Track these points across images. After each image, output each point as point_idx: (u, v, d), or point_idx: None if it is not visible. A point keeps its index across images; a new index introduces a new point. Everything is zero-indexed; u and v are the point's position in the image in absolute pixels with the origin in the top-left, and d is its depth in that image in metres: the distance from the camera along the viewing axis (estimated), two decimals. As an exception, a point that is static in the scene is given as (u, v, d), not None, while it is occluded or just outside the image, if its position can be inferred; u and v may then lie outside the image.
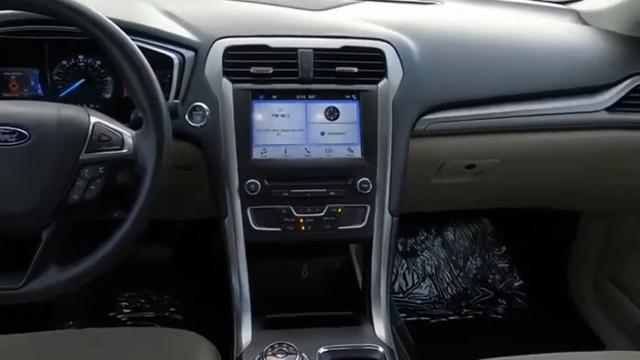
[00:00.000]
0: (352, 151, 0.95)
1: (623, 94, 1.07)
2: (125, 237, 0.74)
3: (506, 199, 1.36)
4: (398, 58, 1.00)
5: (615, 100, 1.07)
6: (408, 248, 1.72)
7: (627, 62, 1.13)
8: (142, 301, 1.53)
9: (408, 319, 1.57)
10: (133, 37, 0.80)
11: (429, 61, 1.03)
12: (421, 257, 1.71)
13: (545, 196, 1.33)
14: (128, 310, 1.51)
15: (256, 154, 0.93)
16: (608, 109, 1.06)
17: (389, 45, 1.01)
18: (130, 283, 1.56)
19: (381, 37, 1.02)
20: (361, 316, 0.96)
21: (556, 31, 1.25)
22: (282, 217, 0.92)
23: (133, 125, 0.79)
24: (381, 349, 0.87)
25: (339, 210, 0.94)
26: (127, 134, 0.76)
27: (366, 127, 0.95)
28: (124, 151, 0.74)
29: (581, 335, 1.49)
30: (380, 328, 0.92)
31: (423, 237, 1.73)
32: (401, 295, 1.64)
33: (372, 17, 1.11)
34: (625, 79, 1.09)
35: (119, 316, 1.50)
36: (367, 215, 0.95)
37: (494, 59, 1.09)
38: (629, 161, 1.15)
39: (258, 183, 0.91)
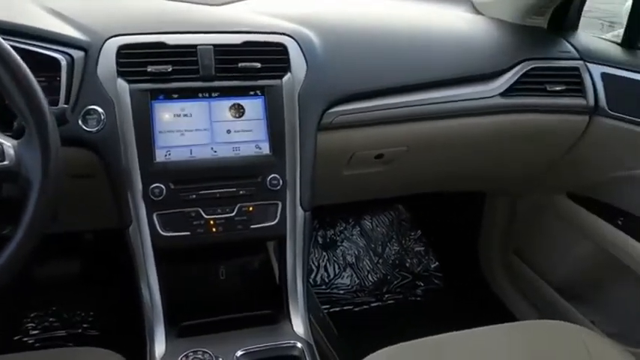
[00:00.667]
0: (260, 148, 0.94)
1: (514, 79, 1.13)
2: (14, 254, 0.68)
3: (416, 185, 1.41)
4: (301, 52, 1.00)
5: (508, 85, 1.13)
6: (328, 240, 1.73)
7: (517, 49, 1.19)
8: (52, 319, 1.43)
9: (332, 309, 1.59)
10: (13, 38, 0.74)
11: (332, 53, 1.03)
12: (341, 248, 1.73)
13: (451, 179, 1.38)
14: (36, 332, 1.41)
15: (159, 156, 0.89)
16: (502, 94, 1.12)
17: (291, 39, 1.00)
18: (37, 302, 1.46)
19: (283, 31, 1.01)
20: (279, 314, 0.95)
21: (453, 20, 1.30)
22: (191, 221, 0.89)
23: (16, 134, 0.73)
24: (299, 345, 0.86)
25: (250, 208, 0.92)
26: (7, 144, 0.69)
27: (273, 123, 0.94)
28: (5, 162, 0.68)
29: (494, 310, 1.58)
30: (298, 324, 0.92)
31: (341, 228, 1.76)
32: (323, 286, 1.65)
33: (273, 11, 1.10)
34: (516, 65, 1.15)
35: (26, 339, 1.39)
36: (279, 212, 0.94)
37: (395, 50, 1.11)
38: (523, 143, 1.22)
39: (163, 187, 0.87)
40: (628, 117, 1.11)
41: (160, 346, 0.86)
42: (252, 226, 0.92)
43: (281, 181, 0.93)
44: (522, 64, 1.15)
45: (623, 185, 1.19)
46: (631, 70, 1.13)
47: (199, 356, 0.78)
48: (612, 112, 1.14)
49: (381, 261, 1.74)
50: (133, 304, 0.94)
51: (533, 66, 1.15)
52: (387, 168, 1.19)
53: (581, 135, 1.20)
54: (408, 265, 1.75)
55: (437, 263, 1.75)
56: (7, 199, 0.73)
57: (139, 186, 0.87)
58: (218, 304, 1.00)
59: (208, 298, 1.02)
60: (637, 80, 1.10)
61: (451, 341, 0.94)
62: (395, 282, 1.70)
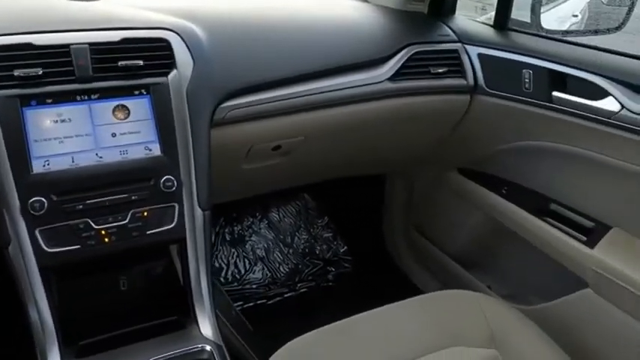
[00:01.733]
0: (150, 150, 0.90)
1: (400, 64, 1.18)
2: None
3: (318, 173, 1.43)
4: (186, 47, 0.96)
5: (395, 70, 1.17)
6: (236, 235, 1.71)
7: (401, 34, 1.24)
8: None
9: (245, 305, 1.57)
10: None
11: (220, 47, 1.01)
12: (250, 242, 1.71)
13: (350, 165, 1.42)
14: None
15: (37, 167, 0.82)
16: (390, 79, 1.16)
17: (174, 34, 0.96)
18: None
19: (165, 26, 0.96)
20: (186, 319, 0.92)
21: (340, 8, 1.32)
22: (80, 233, 0.83)
23: None
24: (208, 348, 0.85)
25: (145, 214, 0.88)
26: None
27: (162, 123, 0.90)
28: None
29: (403, 286, 1.64)
30: (206, 327, 0.90)
31: (248, 222, 1.74)
32: (235, 283, 1.63)
33: (154, 5, 1.05)
34: (401, 49, 1.19)
35: None
36: (176, 214, 0.90)
37: (284, 40, 1.11)
38: (413, 124, 1.27)
39: (44, 200, 0.81)
40: (504, 94, 1.19)
41: None
42: (148, 232, 0.88)
43: (175, 182, 0.89)
44: (407, 48, 1.20)
45: (505, 157, 1.28)
46: (503, 50, 1.20)
47: (101, 375, 0.73)
48: (490, 90, 1.22)
49: (291, 251, 1.75)
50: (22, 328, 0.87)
51: (416, 50, 1.20)
52: (286, 159, 1.19)
53: (464, 113, 1.27)
54: (317, 252, 1.77)
55: (345, 247, 1.79)
56: None
57: (16, 201, 0.80)
58: (121, 317, 0.95)
59: (110, 311, 0.97)
60: (509, 59, 1.18)
61: (359, 323, 0.96)
62: (306, 270, 1.72)
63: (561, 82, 1.09)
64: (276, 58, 1.07)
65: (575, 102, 1.05)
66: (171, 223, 0.90)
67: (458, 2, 1.38)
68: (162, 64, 0.92)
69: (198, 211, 0.93)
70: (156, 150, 0.90)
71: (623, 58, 1.05)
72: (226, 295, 1.36)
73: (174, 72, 0.93)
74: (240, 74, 1.01)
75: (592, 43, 1.11)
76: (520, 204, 1.24)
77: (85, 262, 0.87)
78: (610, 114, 0.99)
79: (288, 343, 0.93)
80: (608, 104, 1.00)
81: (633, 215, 1.06)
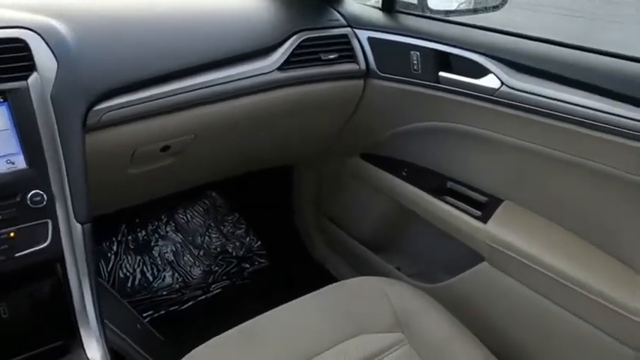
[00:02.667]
0: (13, 163, 0.81)
1: (289, 52, 1.14)
2: None
3: (217, 171, 1.37)
4: (47, 47, 0.87)
5: (284, 58, 1.13)
6: (141, 242, 1.62)
7: (289, 21, 1.20)
8: None
9: (156, 314, 1.50)
10: None
11: (87, 46, 0.93)
12: (157, 248, 1.63)
13: (250, 159, 1.38)
14: None
15: None
16: (280, 69, 1.12)
17: (33, 33, 0.87)
18: None
19: (22, 25, 0.87)
20: (73, 343, 0.85)
21: (224, -2, 1.27)
22: None
23: None
24: (95, 373, 0.78)
25: (12, 234, 0.80)
26: None
27: (25, 132, 0.82)
28: None
29: (319, 276, 1.63)
30: (92, 349, 0.83)
31: (153, 227, 1.65)
32: (143, 292, 1.54)
33: (8, 2, 0.95)
34: (289, 37, 1.16)
35: None
36: (50, 231, 0.82)
37: (162, 34, 1.04)
38: (309, 113, 1.25)
39: None
40: (395, 76, 1.19)
41: None
42: (17, 255, 0.80)
43: (45, 197, 0.81)
44: (295, 35, 1.17)
45: (403, 139, 1.29)
46: (391, 33, 1.20)
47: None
48: (382, 74, 1.22)
49: (202, 252, 1.68)
50: None
51: (305, 37, 1.17)
52: (177, 159, 1.13)
53: (359, 99, 1.27)
54: (230, 250, 1.72)
55: (259, 242, 1.75)
56: None
57: None
58: (3, 347, 0.86)
59: None
60: (397, 42, 1.18)
61: (263, 323, 0.94)
62: (220, 270, 1.67)
63: (446, 62, 1.11)
64: (152, 54, 1.00)
65: (460, 81, 1.07)
66: (45, 241, 0.82)
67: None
68: (20, 67, 0.83)
69: (77, 225, 0.85)
70: (20, 163, 0.81)
71: (501, 35, 1.08)
72: (129, 308, 1.28)
73: (34, 75, 0.84)
74: (114, 73, 0.94)
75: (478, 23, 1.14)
76: (419, 185, 1.26)
77: None
78: (492, 91, 1.02)
79: (190, 353, 0.89)
80: (490, 81, 1.03)
81: (521, 188, 1.10)
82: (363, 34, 1.24)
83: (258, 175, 1.62)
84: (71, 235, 0.85)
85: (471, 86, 1.05)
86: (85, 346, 0.83)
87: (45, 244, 0.82)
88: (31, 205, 0.81)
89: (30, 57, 0.85)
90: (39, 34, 0.88)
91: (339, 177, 1.53)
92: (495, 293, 1.11)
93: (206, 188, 1.76)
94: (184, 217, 1.71)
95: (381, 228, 1.48)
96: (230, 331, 0.94)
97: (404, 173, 1.31)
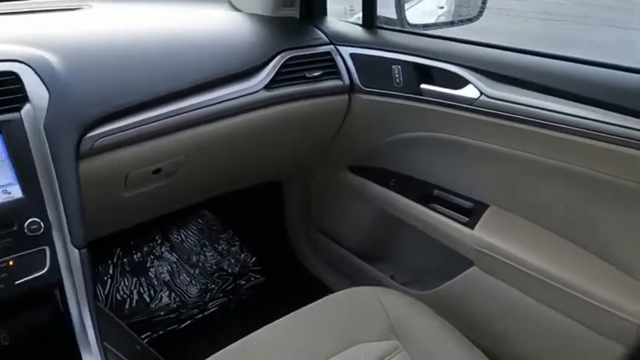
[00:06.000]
0: (9, 193, 0.83)
1: (275, 71, 1.17)
2: None
3: (209, 189, 1.40)
4: (39, 79, 0.90)
5: (270, 78, 1.16)
6: (136, 264, 1.63)
7: (273, 41, 1.24)
8: None
9: (155, 335, 1.51)
10: None
11: (77, 75, 0.95)
12: (152, 269, 1.64)
13: (241, 177, 1.40)
14: None
15: None
16: (267, 88, 1.15)
17: (24, 65, 0.90)
18: None
19: (13, 58, 0.90)
20: None
21: (209, 20, 1.30)
22: None
23: None
24: (98, 396, 0.80)
25: (11, 263, 0.81)
26: None
27: (20, 162, 0.84)
28: None
29: (314, 288, 1.64)
30: None
31: (148, 248, 1.67)
32: (141, 314, 1.55)
33: (1, 35, 0.98)
34: (274, 57, 1.19)
35: None
36: (48, 258, 0.84)
37: (150, 59, 1.07)
38: (296, 130, 1.28)
39: None
40: (378, 90, 1.23)
41: None
42: (17, 282, 0.81)
43: (42, 224, 0.83)
44: (280, 55, 1.20)
45: (389, 150, 1.33)
46: (373, 48, 1.24)
47: None
48: (365, 88, 1.25)
49: (198, 271, 1.70)
50: None
51: (290, 55, 1.20)
52: (170, 180, 1.15)
53: (345, 113, 1.30)
54: (226, 267, 1.74)
55: (254, 258, 1.77)
56: None
57: None
58: None
59: None
60: (378, 56, 1.22)
61: (261, 338, 0.96)
62: (216, 288, 1.68)
63: (427, 74, 1.14)
64: (141, 79, 1.02)
65: (441, 92, 1.11)
66: (44, 268, 0.84)
67: (327, 6, 1.40)
68: (13, 99, 0.86)
69: (74, 251, 0.87)
70: (16, 192, 0.83)
71: (479, 47, 1.12)
72: (128, 330, 1.29)
73: (27, 106, 0.86)
74: (104, 100, 0.96)
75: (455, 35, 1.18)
76: (407, 194, 1.29)
77: None
78: (471, 100, 1.06)
79: None
80: (469, 92, 1.06)
81: (506, 193, 1.13)
82: (346, 51, 1.28)
83: (249, 192, 1.65)
84: (69, 260, 0.86)
85: (452, 97, 1.09)
86: None
87: (43, 271, 0.84)
88: (28, 233, 0.82)
89: (22, 89, 0.87)
90: (30, 67, 0.90)
91: (329, 190, 1.56)
92: (486, 297, 1.14)
93: (199, 207, 1.77)
94: (179, 237, 1.72)
95: (373, 238, 1.50)
96: (228, 347, 0.95)
97: (391, 183, 1.34)
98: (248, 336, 0.97)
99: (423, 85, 1.14)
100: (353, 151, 1.41)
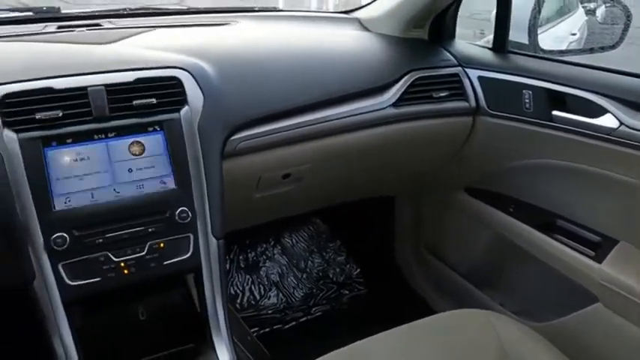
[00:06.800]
0: (165, 183, 0.94)
1: (403, 89, 1.21)
2: None
3: (327, 197, 1.46)
4: (196, 84, 1.01)
5: (398, 96, 1.21)
6: (250, 262, 1.74)
7: (403, 60, 1.28)
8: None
9: (261, 331, 1.59)
10: None
11: (228, 82, 1.06)
12: (264, 268, 1.74)
13: (358, 188, 1.45)
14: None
15: (59, 204, 0.86)
16: (394, 105, 1.20)
17: (185, 72, 1.01)
18: None
19: (176, 65, 1.01)
20: (203, 346, 0.95)
21: (342, 39, 1.37)
22: (101, 266, 0.87)
23: None
24: (225, 374, 0.87)
25: (162, 245, 0.92)
26: None
27: (176, 157, 0.95)
28: None
29: (416, 306, 1.65)
30: (223, 354, 0.93)
31: (262, 248, 1.77)
32: (250, 310, 1.65)
33: (164, 45, 1.11)
34: (403, 76, 1.23)
35: None
36: (191, 244, 0.94)
37: (288, 73, 1.15)
38: (417, 147, 1.31)
39: (66, 235, 0.85)
40: (505, 114, 1.22)
41: None
42: (165, 263, 0.92)
43: (190, 214, 0.93)
44: (409, 74, 1.24)
45: (511, 175, 1.31)
46: (503, 72, 1.24)
47: (122, 403, 0.76)
48: (492, 111, 1.25)
49: (304, 276, 1.77)
50: None
51: (418, 76, 1.24)
52: (296, 186, 1.23)
53: (468, 135, 1.31)
54: (331, 275, 1.79)
55: (358, 270, 1.81)
56: None
57: (40, 238, 0.84)
58: (140, 346, 0.98)
59: (129, 341, 1.00)
60: (508, 81, 1.21)
61: (372, 345, 0.98)
62: (320, 294, 1.74)
63: (560, 101, 1.12)
64: (283, 90, 1.11)
65: (575, 120, 1.08)
66: (187, 253, 0.94)
67: (457, 30, 1.42)
68: (175, 101, 0.97)
69: (213, 240, 0.96)
70: (170, 183, 0.94)
71: (619, 76, 1.07)
72: (242, 322, 1.38)
73: (185, 108, 0.97)
74: (249, 107, 1.06)
75: (590, 62, 1.15)
76: (527, 221, 1.26)
77: (105, 294, 0.91)
78: (609, 130, 1.02)
79: None
80: (607, 121, 1.03)
81: (638, 229, 1.07)
82: (474, 73, 1.29)
83: (361, 205, 1.69)
84: (208, 248, 0.96)
85: (587, 125, 1.06)
86: (216, 350, 0.93)
87: (187, 256, 0.93)
88: (178, 220, 0.93)
89: (183, 92, 0.98)
90: (190, 73, 1.01)
91: (442, 209, 1.56)
92: (609, 336, 1.08)
93: (311, 215, 1.85)
94: (290, 241, 1.81)
95: (485, 262, 1.48)
96: (339, 350, 0.99)
97: (510, 209, 1.32)
98: (357, 342, 0.99)
99: (555, 112, 1.12)
100: (471, 173, 1.41)
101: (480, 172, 1.38)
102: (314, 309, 1.69)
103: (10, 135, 0.85)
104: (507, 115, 1.22)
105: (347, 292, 1.77)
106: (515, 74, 1.21)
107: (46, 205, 0.85)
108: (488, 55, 1.31)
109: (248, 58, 1.16)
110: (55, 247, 0.84)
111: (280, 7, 1.63)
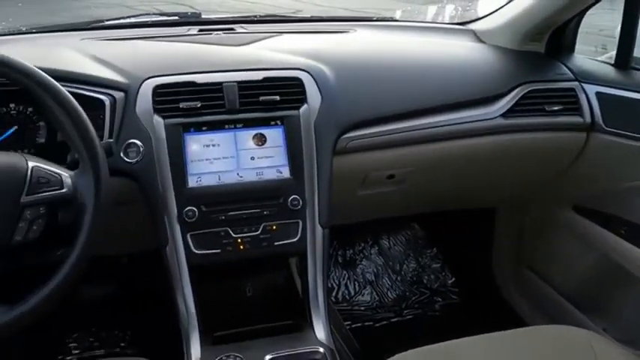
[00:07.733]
0: (281, 172, 1.04)
1: (514, 101, 1.22)
2: (69, 273, 0.78)
3: (427, 203, 1.49)
4: (316, 85, 1.10)
5: (508, 107, 1.21)
6: (348, 259, 1.81)
7: (516, 73, 1.28)
8: (91, 339, 1.53)
9: (353, 325, 1.65)
10: (63, 84, 0.85)
11: (344, 85, 1.14)
12: (360, 266, 1.81)
13: (459, 197, 1.46)
14: (77, 351, 1.51)
15: (192, 182, 0.99)
16: (503, 115, 1.21)
17: (306, 73, 1.10)
18: (77, 323, 1.56)
19: (299, 67, 1.12)
20: (303, 323, 1.03)
21: (456, 49, 1.40)
22: (221, 239, 0.99)
23: (70, 166, 0.84)
24: (321, 350, 0.94)
25: (274, 227, 1.02)
26: (65, 175, 0.81)
27: (292, 149, 1.04)
28: (64, 190, 0.79)
29: (509, 321, 1.62)
30: (320, 332, 1.00)
31: (360, 247, 1.84)
32: (345, 304, 1.72)
33: (290, 48, 1.22)
34: (515, 87, 1.24)
35: (68, 358, 1.49)
36: (300, 229, 1.03)
37: (401, 79, 1.21)
38: (525, 160, 1.30)
39: (196, 210, 0.98)
40: (623, 132, 1.18)
41: (195, 352, 0.94)
42: (275, 243, 1.01)
43: (301, 202, 1.02)
44: (521, 86, 1.24)
45: (626, 197, 1.25)
46: (625, 89, 1.20)
47: (232, 360, 0.86)
48: (608, 129, 1.21)
49: (399, 278, 1.81)
50: (168, 319, 1.03)
51: (531, 88, 1.24)
52: (398, 187, 1.28)
53: (580, 151, 1.27)
54: (425, 281, 1.82)
55: (453, 279, 1.81)
56: (61, 225, 0.83)
57: (174, 210, 0.98)
58: (246, 317, 1.08)
59: (237, 311, 1.11)
60: (630, 98, 1.17)
61: (463, 346, 1.00)
62: (413, 298, 1.77)
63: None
64: (394, 94, 1.17)
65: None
66: (295, 237, 1.03)
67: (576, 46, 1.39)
68: (296, 100, 1.07)
69: (319, 229, 1.05)
70: (286, 172, 1.04)
71: None
72: (337, 313, 1.46)
73: (305, 106, 1.07)
74: (362, 109, 1.13)
75: None
76: (641, 245, 1.21)
77: (222, 265, 1.02)
78: None
79: (393, 357, 0.99)
80: None
81: None
82: (592, 89, 1.26)
83: (460, 215, 1.70)
84: (314, 235, 1.04)
85: None
86: (314, 327, 1.01)
87: (295, 239, 1.03)
88: (290, 206, 1.02)
89: (303, 92, 1.08)
90: (311, 75, 1.11)
91: (547, 226, 1.52)
92: None
93: (410, 220, 1.89)
94: (388, 243, 1.86)
95: (589, 285, 1.42)
96: (429, 346, 1.01)
97: (623, 232, 1.26)
98: (449, 341, 1.02)
99: (678, 133, 1.07)
100: (581, 191, 1.37)
101: (591, 190, 1.34)
102: (405, 311, 1.73)
103: (158, 120, 1.00)
104: (626, 133, 1.18)
105: (440, 299, 1.78)
106: (638, 91, 1.17)
107: (181, 182, 0.98)
108: (609, 71, 1.27)
109: (364, 63, 1.23)
110: (186, 219, 0.97)
111: (397, 17, 1.68)
